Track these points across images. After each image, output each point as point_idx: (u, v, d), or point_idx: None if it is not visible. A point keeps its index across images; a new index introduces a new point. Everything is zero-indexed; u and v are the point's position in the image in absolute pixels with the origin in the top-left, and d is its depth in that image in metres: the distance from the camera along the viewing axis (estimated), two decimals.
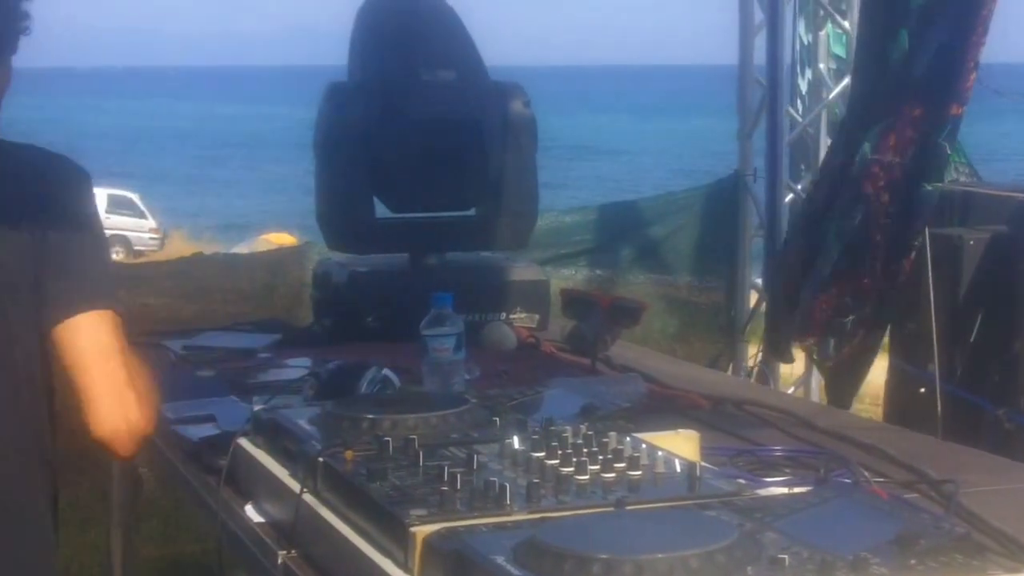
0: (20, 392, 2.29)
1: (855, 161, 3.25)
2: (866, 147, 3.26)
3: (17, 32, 2.37)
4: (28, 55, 2.72)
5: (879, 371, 5.19)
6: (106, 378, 2.24)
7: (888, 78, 3.26)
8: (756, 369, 6.44)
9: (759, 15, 6.65)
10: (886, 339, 4.65)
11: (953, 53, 3.23)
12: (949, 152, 3.36)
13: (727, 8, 6.89)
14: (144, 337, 3.55)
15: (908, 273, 3.45)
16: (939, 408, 4.61)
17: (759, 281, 6.66)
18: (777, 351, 3.83)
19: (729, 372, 6.63)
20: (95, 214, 2.36)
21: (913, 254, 3.40)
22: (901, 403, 5.29)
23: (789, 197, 6.28)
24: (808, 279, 3.48)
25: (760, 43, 6.64)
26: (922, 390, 4.94)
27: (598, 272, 6.94)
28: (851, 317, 3.33)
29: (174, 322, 5.96)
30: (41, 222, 2.27)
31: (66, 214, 2.29)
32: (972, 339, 5.08)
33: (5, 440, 2.28)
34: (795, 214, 3.82)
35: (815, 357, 3.47)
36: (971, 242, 5.04)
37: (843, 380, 3.96)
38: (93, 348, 2.24)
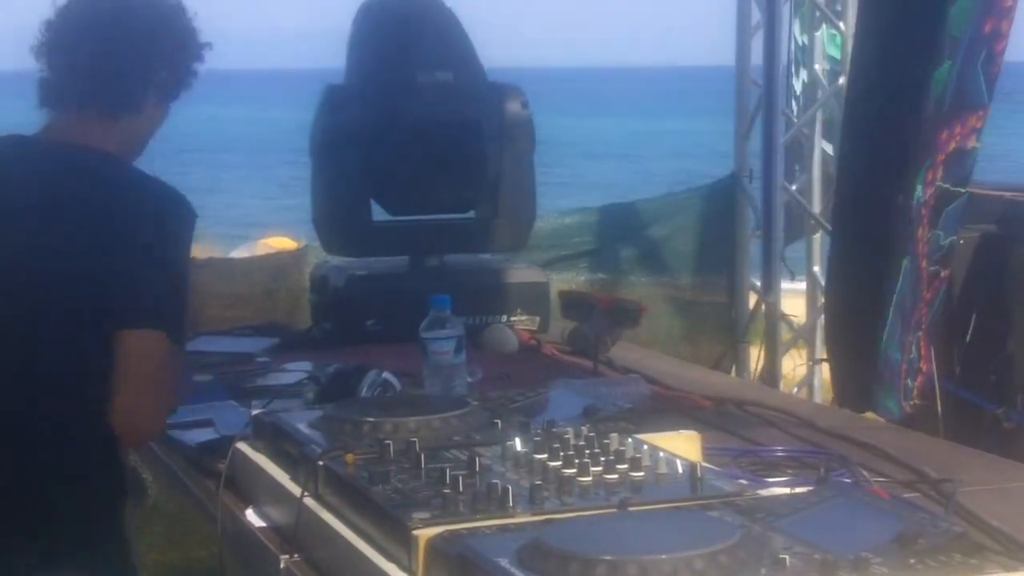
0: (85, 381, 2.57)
1: (910, 207, 3.22)
2: (919, 191, 3.24)
3: (192, 75, 2.75)
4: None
5: None
6: (138, 391, 2.56)
7: (927, 112, 3.24)
8: (758, 370, 6.44)
9: (756, 15, 6.63)
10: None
11: (973, 64, 3.22)
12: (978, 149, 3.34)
13: (725, 8, 6.88)
14: None
15: (948, 280, 3.45)
16: (939, 408, 4.61)
17: (758, 283, 6.65)
18: (851, 402, 3.75)
19: (732, 373, 6.62)
20: (181, 250, 2.65)
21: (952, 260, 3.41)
22: None
23: (784, 199, 6.28)
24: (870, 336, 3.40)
25: (756, 44, 6.62)
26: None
27: (599, 275, 6.90)
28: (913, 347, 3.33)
29: None
30: (128, 245, 2.58)
31: (154, 243, 2.60)
32: (968, 339, 5.07)
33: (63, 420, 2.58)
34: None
35: (915, 401, 3.45)
36: (961, 241, 5.05)
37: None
38: (137, 362, 2.55)
